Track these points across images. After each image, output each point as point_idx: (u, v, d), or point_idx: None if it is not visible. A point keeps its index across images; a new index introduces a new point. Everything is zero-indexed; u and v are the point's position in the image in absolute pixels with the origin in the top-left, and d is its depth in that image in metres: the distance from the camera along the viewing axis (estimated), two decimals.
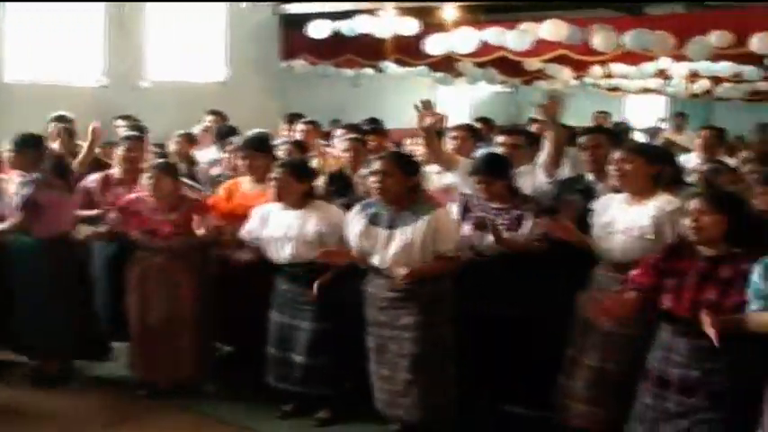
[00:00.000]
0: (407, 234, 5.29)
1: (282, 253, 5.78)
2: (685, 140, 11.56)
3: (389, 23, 12.08)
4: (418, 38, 12.65)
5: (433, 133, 6.15)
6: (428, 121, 5.94)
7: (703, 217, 4.33)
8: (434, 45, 12.45)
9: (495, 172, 5.71)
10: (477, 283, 5.50)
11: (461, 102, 19.67)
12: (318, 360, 5.77)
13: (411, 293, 5.34)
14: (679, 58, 12.80)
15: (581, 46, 11.50)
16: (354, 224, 5.50)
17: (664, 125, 15.90)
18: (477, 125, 9.30)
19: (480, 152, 6.52)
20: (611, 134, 6.32)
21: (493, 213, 5.71)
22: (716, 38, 10.68)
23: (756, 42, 10.43)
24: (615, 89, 17.49)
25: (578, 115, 11.50)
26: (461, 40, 12.18)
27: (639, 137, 14.38)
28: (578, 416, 5.23)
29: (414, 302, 5.35)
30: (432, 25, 12.58)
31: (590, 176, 5.91)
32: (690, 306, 4.31)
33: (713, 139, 8.31)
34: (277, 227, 5.78)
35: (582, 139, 6.03)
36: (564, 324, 5.38)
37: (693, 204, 4.39)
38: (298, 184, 5.76)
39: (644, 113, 21.25)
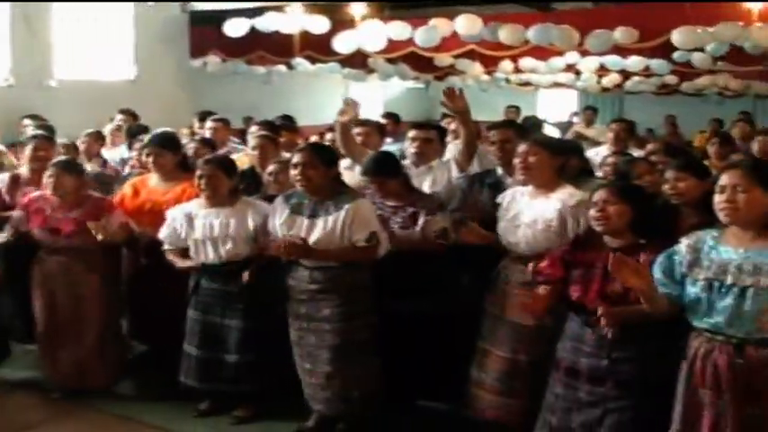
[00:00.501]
0: (328, 223, 5.31)
1: (214, 253, 5.72)
2: (595, 134, 11.73)
3: (299, 20, 12.04)
4: (328, 35, 12.65)
5: (349, 128, 6.31)
6: (347, 116, 6.14)
7: (608, 207, 4.38)
8: (342, 42, 12.43)
9: (384, 171, 5.75)
10: (385, 278, 5.51)
11: (374, 98, 19.69)
12: (249, 357, 5.74)
13: (331, 285, 5.36)
14: (586, 52, 12.98)
15: (490, 41, 11.59)
16: (277, 214, 5.50)
17: (575, 119, 16.10)
18: (384, 121, 9.32)
19: (390, 148, 6.54)
20: (520, 128, 6.35)
21: (389, 211, 5.75)
22: (620, 33, 10.85)
23: (675, 36, 10.65)
24: (526, 84, 17.64)
25: (491, 110, 11.62)
26: (369, 36, 12.19)
27: (551, 131, 14.53)
28: (491, 408, 5.25)
29: (333, 294, 5.37)
30: (341, 22, 12.58)
31: (499, 171, 5.94)
32: (597, 297, 4.36)
33: (624, 133, 8.41)
34: (207, 227, 5.72)
35: (490, 134, 6.05)
36: (474, 317, 5.41)
37: (598, 195, 4.43)
38: (227, 179, 5.73)
39: (556, 108, 21.48)
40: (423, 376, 5.73)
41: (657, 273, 4.03)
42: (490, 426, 5.30)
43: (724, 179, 3.83)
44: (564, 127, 14.97)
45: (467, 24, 11.37)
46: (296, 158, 5.43)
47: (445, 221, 5.58)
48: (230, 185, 5.76)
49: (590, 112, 13.78)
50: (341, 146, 6.51)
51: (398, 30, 11.92)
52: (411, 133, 6.42)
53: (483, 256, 5.36)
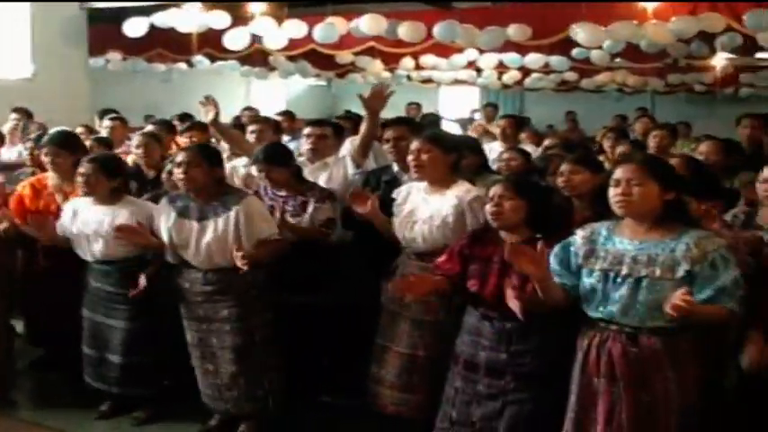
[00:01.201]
0: (219, 226, 5.25)
1: (93, 250, 5.65)
2: (496, 130, 11.83)
3: (197, 18, 11.90)
4: (227, 32, 12.53)
5: (221, 125, 6.48)
6: (210, 114, 6.26)
7: (504, 202, 4.41)
8: (233, 39, 12.34)
9: (274, 160, 5.75)
10: (283, 271, 5.50)
11: (277, 96, 19.63)
12: (135, 359, 5.67)
13: (227, 285, 5.32)
14: (485, 50, 13.09)
15: (390, 38, 11.62)
16: (164, 218, 5.43)
17: (476, 115, 16.22)
18: (280, 118, 9.33)
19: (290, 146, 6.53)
20: (414, 125, 6.37)
21: (281, 201, 5.76)
22: (513, 30, 10.97)
23: (577, 33, 10.80)
24: (428, 81, 17.74)
25: (393, 107, 11.60)
26: (263, 33, 12.14)
27: (452, 127, 14.62)
28: (392, 404, 5.23)
29: (230, 294, 5.33)
30: (241, 19, 12.47)
31: (395, 167, 5.95)
32: (495, 291, 4.40)
33: (510, 129, 8.52)
34: (86, 223, 5.64)
35: (385, 131, 6.05)
36: (374, 312, 5.41)
37: (494, 190, 4.47)
38: (107, 180, 5.64)
39: (459, 104, 21.62)
40: (325, 371, 5.77)
41: (554, 263, 4.10)
42: (393, 421, 5.28)
43: (618, 173, 3.92)
44: (465, 123, 15.07)
45: (370, 24, 11.37)
46: (179, 158, 5.37)
47: (332, 211, 5.67)
48: (111, 185, 5.66)
49: (490, 109, 13.89)
50: (229, 145, 6.59)
51: (295, 27, 11.88)
52: (306, 130, 6.41)
53: (382, 251, 5.35)
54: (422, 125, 6.93)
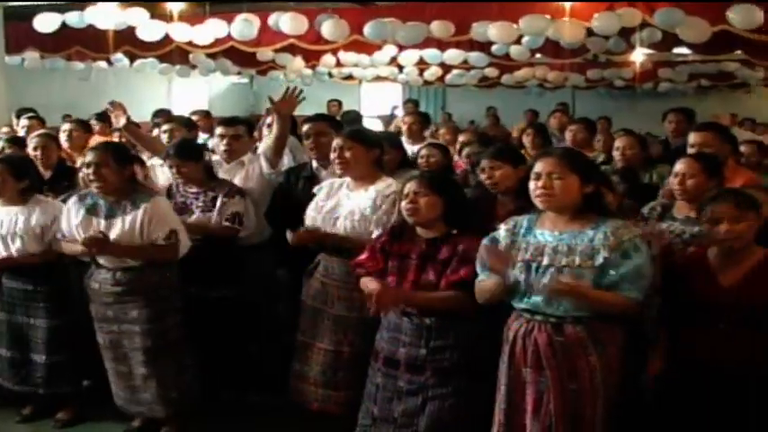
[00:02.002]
0: (126, 223, 5.21)
1: (10, 250, 5.56)
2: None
3: (114, 15, 11.72)
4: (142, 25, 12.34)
5: (134, 130, 6.51)
6: (120, 118, 6.33)
7: (419, 198, 4.43)
8: (154, 31, 12.18)
9: (184, 154, 5.79)
10: (195, 267, 5.47)
11: (199, 94, 19.48)
12: (59, 357, 5.61)
13: (136, 286, 5.27)
14: (405, 47, 13.09)
15: (309, 35, 11.57)
16: (72, 215, 5.37)
17: (398, 112, 16.27)
18: (195, 117, 9.29)
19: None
20: (335, 121, 6.38)
21: (192, 197, 5.79)
22: (436, 27, 11.00)
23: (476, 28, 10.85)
24: (350, 78, 17.70)
25: (315, 104, 11.58)
26: (185, 30, 12.03)
27: (374, 124, 14.65)
28: (317, 400, 5.23)
29: (139, 295, 5.28)
30: (161, 16, 12.33)
31: (315, 164, 5.94)
32: (412, 287, 4.43)
33: (416, 125, 8.55)
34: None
35: (305, 128, 6.05)
36: (293, 309, 5.43)
37: (409, 187, 4.48)
38: (14, 181, 5.56)
39: (381, 101, 21.65)
40: (249, 369, 5.75)
41: (484, 256, 4.11)
42: (318, 418, 5.28)
43: (539, 167, 3.98)
44: (386, 120, 15.10)
45: (292, 24, 11.31)
46: (89, 158, 5.33)
47: (241, 206, 5.70)
48: (19, 186, 5.59)
49: (411, 105, 13.94)
50: (144, 149, 6.57)
51: (214, 24, 11.78)
52: (218, 130, 6.39)
53: (300, 249, 5.33)
54: (342, 122, 6.92)
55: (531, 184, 3.98)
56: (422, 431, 4.48)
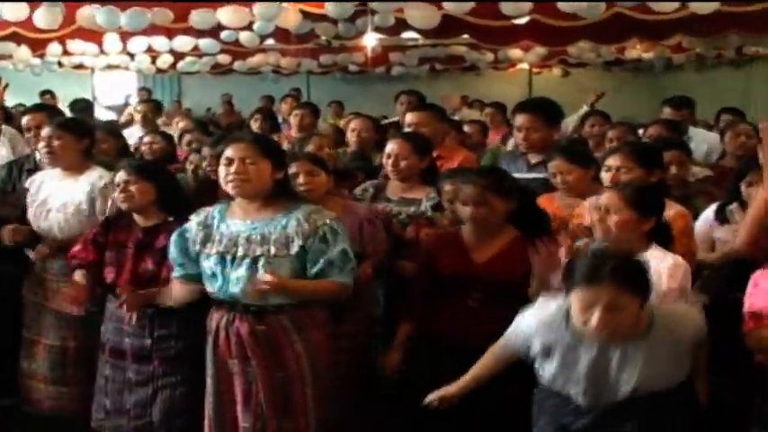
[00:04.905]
0: None
1: None
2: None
3: None
4: None
5: None
6: None
7: (130, 186, 4.41)
8: None
9: None
10: None
11: None
12: None
13: None
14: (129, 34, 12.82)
15: (31, 23, 11.13)
16: None
17: (131, 100, 15.97)
18: None
19: None
20: (54, 112, 6.23)
21: None
22: (152, 14, 10.86)
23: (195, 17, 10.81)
24: (80, 66, 17.18)
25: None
26: None
27: (108, 114, 14.34)
28: (48, 399, 5.15)
29: None
30: None
31: (38, 155, 5.80)
32: (131, 278, 4.41)
33: (151, 113, 8.62)
34: None
35: (23, 120, 5.92)
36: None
37: (120, 175, 4.46)
38: None
39: (115, 90, 21.14)
40: None
41: (174, 252, 4.11)
42: (50, 418, 5.17)
43: (229, 152, 3.91)
44: (120, 109, 14.79)
45: (12, 11, 10.86)
46: None
47: None
48: None
49: (144, 93, 13.74)
50: None
51: None
52: None
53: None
54: (61, 112, 6.76)
55: (222, 170, 3.93)
56: (155, 421, 4.49)
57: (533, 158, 5.49)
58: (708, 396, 3.68)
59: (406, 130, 5.84)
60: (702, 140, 6.84)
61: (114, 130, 6.39)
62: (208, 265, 3.98)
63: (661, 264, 3.80)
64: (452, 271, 4.22)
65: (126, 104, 15.49)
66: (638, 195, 3.93)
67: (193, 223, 4.06)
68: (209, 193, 5.17)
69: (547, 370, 3.51)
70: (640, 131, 6.94)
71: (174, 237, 4.11)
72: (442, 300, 4.24)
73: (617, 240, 3.86)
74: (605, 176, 4.53)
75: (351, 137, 6.71)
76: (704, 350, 3.63)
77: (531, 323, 3.53)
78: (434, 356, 4.16)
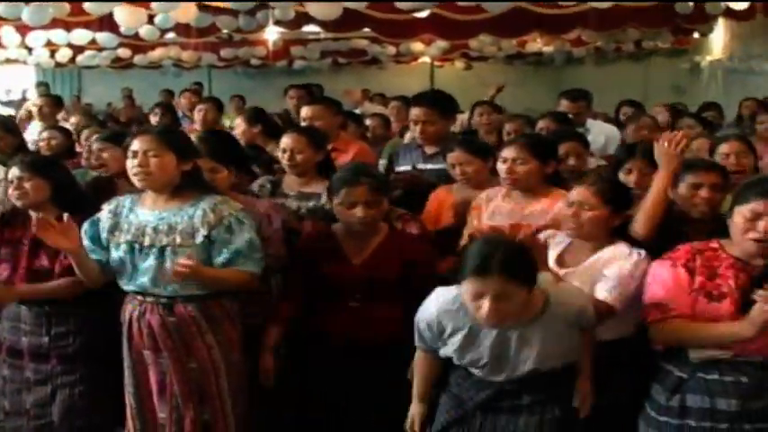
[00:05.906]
0: None
1: None
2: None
3: None
4: None
5: None
6: None
7: (23, 183, 4.34)
8: None
9: None
10: None
11: None
12: None
13: None
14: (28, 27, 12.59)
15: None
16: None
17: (29, 95, 15.72)
18: None
19: None
20: None
21: None
22: (55, 7, 10.69)
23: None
24: None
25: None
26: None
27: (6, 109, 14.08)
28: None
29: None
30: None
31: None
32: (26, 274, 4.36)
33: (48, 108, 8.52)
34: None
35: None
36: None
37: (13, 172, 4.39)
38: None
39: (13, 85, 20.74)
40: None
41: (86, 240, 4.08)
42: None
43: (135, 145, 3.94)
44: (18, 104, 14.54)
45: None
46: None
47: None
48: None
49: (43, 88, 13.52)
50: None
51: None
52: None
53: None
54: None
55: (129, 162, 3.95)
56: (56, 420, 4.45)
57: (429, 150, 5.58)
58: (588, 400, 3.69)
59: (303, 124, 5.85)
60: (599, 132, 6.88)
61: (11, 126, 6.26)
62: (117, 254, 4.00)
63: (625, 261, 3.83)
64: (330, 273, 4.20)
65: (24, 99, 15.23)
66: (611, 191, 3.98)
67: (105, 211, 4.07)
68: (105, 187, 5.12)
69: (450, 346, 3.55)
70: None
71: (85, 225, 4.09)
72: (325, 301, 4.23)
73: (587, 236, 3.94)
74: (501, 168, 4.58)
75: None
76: (588, 339, 3.69)
77: (433, 312, 3.54)
78: (326, 357, 4.18)
